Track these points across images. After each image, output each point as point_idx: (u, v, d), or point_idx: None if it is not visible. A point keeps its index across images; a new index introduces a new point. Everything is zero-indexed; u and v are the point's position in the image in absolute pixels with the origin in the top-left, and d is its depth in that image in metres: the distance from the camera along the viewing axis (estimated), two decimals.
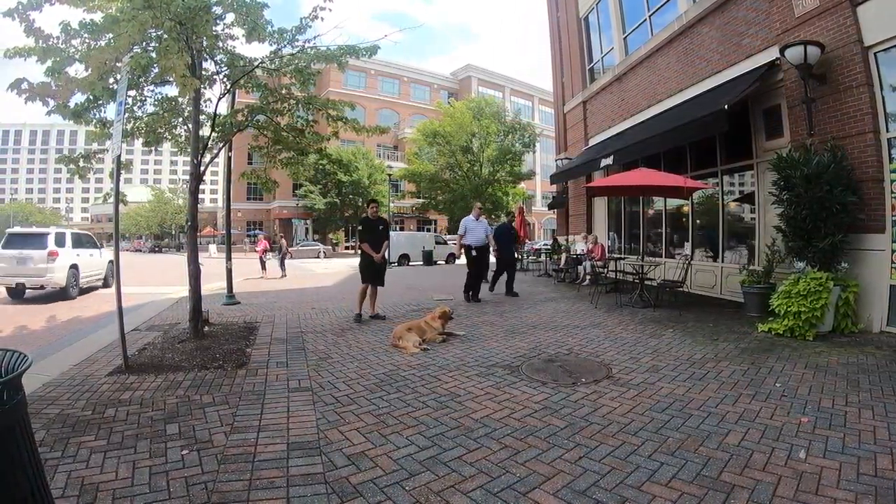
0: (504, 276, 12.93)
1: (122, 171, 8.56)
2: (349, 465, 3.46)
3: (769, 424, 4.02)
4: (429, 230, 50.54)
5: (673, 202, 13.14)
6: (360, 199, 47.75)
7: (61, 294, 13.77)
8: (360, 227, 10.05)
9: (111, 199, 7.93)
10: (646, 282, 10.45)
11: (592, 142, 17.00)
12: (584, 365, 5.96)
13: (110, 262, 15.73)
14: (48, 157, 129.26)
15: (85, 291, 15.24)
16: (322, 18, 7.73)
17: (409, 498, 3.03)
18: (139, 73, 7.09)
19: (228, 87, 8.40)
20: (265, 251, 23.41)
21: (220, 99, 8.47)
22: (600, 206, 17.13)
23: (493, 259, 13.07)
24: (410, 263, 30.29)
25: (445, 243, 36.50)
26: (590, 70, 17.51)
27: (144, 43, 7.00)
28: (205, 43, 7.45)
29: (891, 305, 7.30)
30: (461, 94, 58.36)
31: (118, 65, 6.46)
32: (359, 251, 9.81)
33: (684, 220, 13.00)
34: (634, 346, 6.85)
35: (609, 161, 11.90)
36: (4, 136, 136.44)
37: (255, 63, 8.06)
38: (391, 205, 36.59)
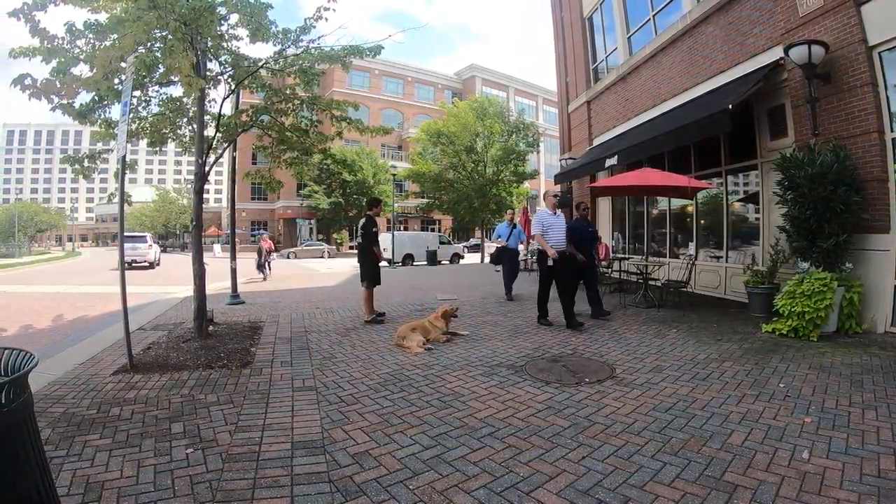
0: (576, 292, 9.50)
1: (127, 171, 8.63)
2: (353, 464, 3.47)
3: (772, 425, 4.02)
4: (433, 230, 50.57)
5: (677, 202, 13.11)
6: (364, 199, 47.76)
7: (151, 266, 28.79)
8: (374, 229, 9.29)
9: (115, 200, 7.97)
10: (650, 282, 10.45)
11: (597, 142, 16.98)
12: (587, 365, 5.96)
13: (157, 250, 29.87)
14: (53, 157, 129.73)
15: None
16: (326, 19, 7.75)
17: (413, 497, 3.04)
18: (144, 72, 7.11)
19: (233, 87, 8.42)
20: (270, 251, 22.58)
21: (224, 99, 8.50)
22: (604, 206, 17.11)
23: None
24: (415, 263, 30.32)
25: (450, 243, 36.55)
26: (594, 70, 17.48)
27: (150, 43, 7.03)
28: (209, 43, 7.49)
29: (895, 306, 7.28)
30: (465, 94, 58.31)
31: (123, 65, 6.49)
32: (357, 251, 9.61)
33: (688, 220, 12.98)
34: (638, 346, 6.86)
35: (613, 161, 11.88)
36: (10, 136, 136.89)
37: (260, 64, 8.08)
38: (395, 205, 36.54)
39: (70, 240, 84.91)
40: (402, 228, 49.51)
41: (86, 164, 8.11)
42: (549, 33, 21.54)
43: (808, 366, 5.71)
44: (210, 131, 8.48)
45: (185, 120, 8.69)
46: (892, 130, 7.36)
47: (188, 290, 14.11)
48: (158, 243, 32.44)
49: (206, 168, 8.03)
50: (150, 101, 8.42)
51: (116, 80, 6.90)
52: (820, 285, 7.07)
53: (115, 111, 7.83)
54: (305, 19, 7.81)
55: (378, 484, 3.19)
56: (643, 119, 13.62)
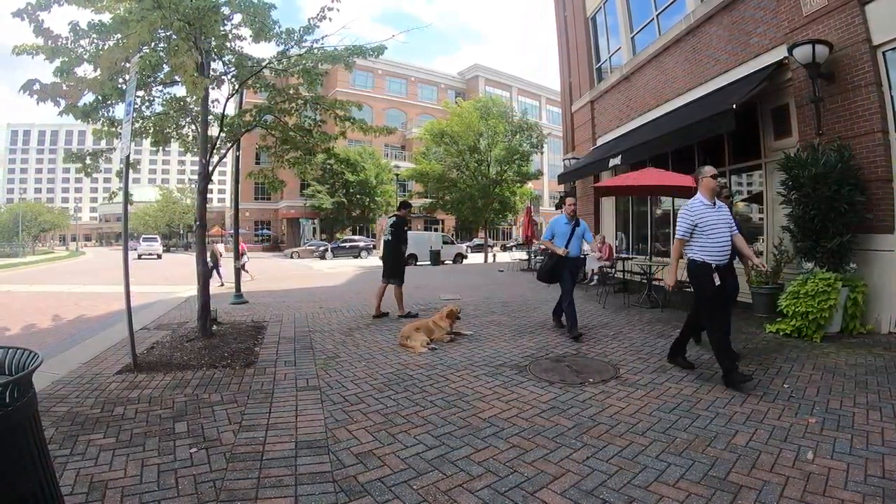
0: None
1: (130, 171, 8.63)
2: (357, 463, 3.48)
3: (777, 425, 4.02)
4: (436, 230, 50.59)
5: (681, 202, 13.07)
6: (367, 199, 47.81)
7: (159, 257, 45.08)
8: (406, 229, 10.08)
9: (117, 199, 7.99)
10: (654, 282, 10.43)
11: (600, 141, 16.96)
12: (591, 365, 5.97)
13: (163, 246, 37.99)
14: (56, 157, 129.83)
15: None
16: (330, 19, 7.77)
17: (417, 497, 3.04)
18: (149, 71, 7.12)
19: (236, 87, 8.43)
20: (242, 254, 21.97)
21: (228, 99, 8.51)
22: (608, 206, 17.08)
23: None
24: (417, 263, 30.33)
25: (453, 243, 36.54)
26: (597, 70, 17.48)
27: (153, 43, 7.04)
28: (213, 43, 7.50)
29: None
30: (468, 94, 58.31)
31: (127, 65, 6.51)
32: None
33: None
34: (642, 347, 6.86)
35: (617, 161, 11.86)
36: (13, 136, 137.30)
37: (264, 64, 8.09)
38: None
39: (73, 239, 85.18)
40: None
41: (88, 161, 8.10)
42: (552, 33, 21.51)
43: (812, 366, 5.70)
44: (213, 131, 8.48)
45: (188, 119, 8.70)
46: None
47: (191, 290, 14.21)
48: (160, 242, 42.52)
49: (210, 168, 8.04)
50: (153, 100, 8.42)
51: (120, 80, 6.91)
52: (824, 285, 7.06)
53: (119, 110, 7.87)
54: (309, 19, 7.84)
55: (382, 484, 3.20)
56: (647, 119, 13.60)
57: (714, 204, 5.43)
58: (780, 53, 8.88)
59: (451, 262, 32.03)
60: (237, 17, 7.48)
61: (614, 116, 15.99)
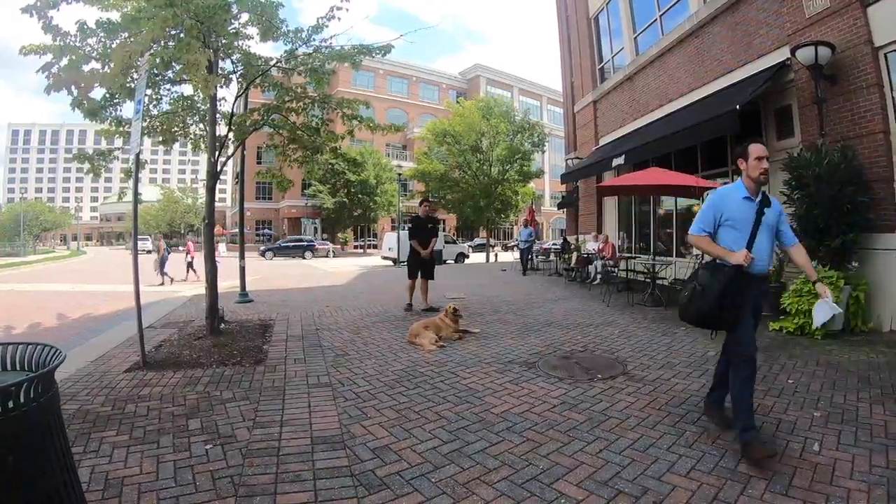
0: None
1: (140, 169, 8.69)
2: (374, 458, 3.51)
3: (783, 419, 4.10)
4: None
5: (684, 202, 13.16)
6: (369, 199, 47.80)
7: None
8: (409, 226, 10.55)
9: (126, 198, 8.08)
10: (657, 281, 10.51)
11: (603, 141, 17.03)
12: (599, 361, 6.04)
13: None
14: (57, 156, 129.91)
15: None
16: (339, 18, 7.79)
17: (436, 489, 3.08)
18: (161, 68, 7.12)
19: (245, 86, 8.46)
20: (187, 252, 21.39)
21: (237, 98, 8.55)
22: (611, 205, 17.15)
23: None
24: None
25: (455, 243, 36.56)
26: (600, 70, 17.54)
27: (164, 41, 7.07)
28: (222, 42, 7.53)
29: None
30: (470, 94, 58.32)
31: (139, 62, 6.53)
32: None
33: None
34: (648, 344, 6.93)
35: (620, 161, 11.95)
36: (15, 135, 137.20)
37: (272, 63, 8.12)
38: (401, 204, 36.58)
39: (75, 239, 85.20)
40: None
41: (96, 162, 8.15)
42: (554, 33, 21.55)
43: (815, 363, 5.78)
44: (221, 130, 8.52)
45: (195, 118, 8.74)
46: None
47: (193, 289, 14.29)
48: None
49: (218, 167, 8.08)
50: (161, 99, 8.43)
51: (129, 78, 6.94)
52: (827, 284, 7.12)
53: (126, 109, 7.92)
54: (318, 18, 7.81)
55: (400, 477, 3.22)
56: (650, 119, 13.67)
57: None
58: (782, 55, 8.97)
59: (453, 262, 32.03)
60: (244, 16, 7.49)
61: (617, 117, 16.05)
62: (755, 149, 3.73)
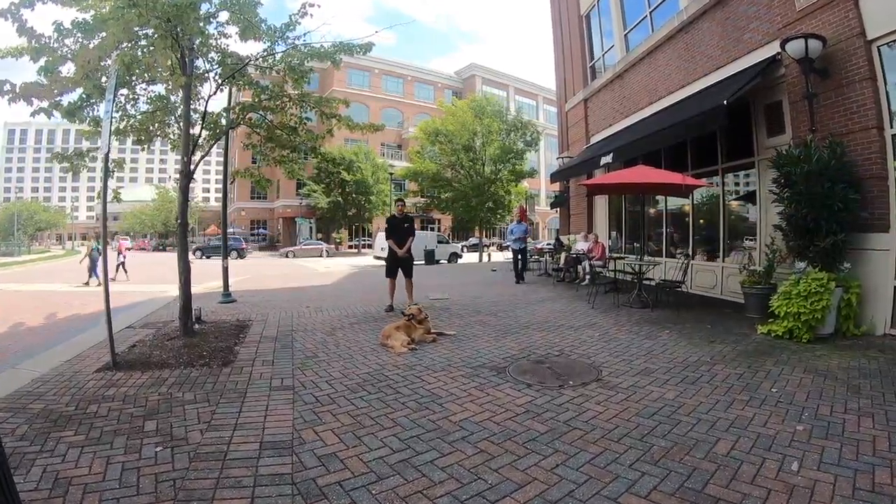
0: None
1: (116, 170, 8.54)
2: (319, 465, 3.42)
3: (762, 433, 3.83)
4: (432, 229, 50.51)
5: (674, 202, 12.97)
6: (364, 199, 47.73)
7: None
8: (386, 226, 10.58)
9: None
10: (645, 282, 10.27)
11: (594, 140, 16.85)
12: (573, 367, 5.79)
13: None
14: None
15: None
16: (311, 15, 7.64)
17: (374, 502, 2.96)
18: (123, 71, 7.04)
19: (219, 84, 8.31)
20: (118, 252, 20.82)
21: (210, 97, 8.44)
22: (601, 205, 16.97)
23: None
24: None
25: (448, 242, 36.47)
26: (591, 68, 17.36)
27: (133, 41, 6.97)
28: (196, 41, 7.42)
29: (895, 307, 7.08)
30: (465, 93, 58.17)
31: (107, 63, 6.49)
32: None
33: (686, 219, 12.80)
34: (628, 348, 6.67)
35: (609, 159, 11.72)
36: (10, 135, 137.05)
37: (246, 61, 8.00)
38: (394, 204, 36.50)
39: (70, 238, 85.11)
40: (384, 229, 49.36)
41: (74, 161, 8.12)
42: (549, 32, 21.37)
43: (802, 369, 5.51)
44: (197, 129, 8.40)
45: (173, 118, 8.60)
46: (891, 126, 7.17)
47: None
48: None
49: (192, 166, 8.01)
50: (137, 98, 8.34)
51: (104, 79, 6.87)
52: (817, 286, 6.89)
53: (103, 109, 7.81)
54: (290, 15, 7.75)
55: (341, 487, 3.12)
56: (640, 117, 13.48)
57: None
58: (773, 49, 8.75)
59: (445, 262, 31.89)
60: (224, 16, 7.46)
61: (607, 114, 15.87)
62: None
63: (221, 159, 13.77)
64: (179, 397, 4.85)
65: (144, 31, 6.81)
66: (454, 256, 34.24)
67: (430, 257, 29.44)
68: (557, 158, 20.66)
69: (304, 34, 8.07)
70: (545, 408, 4.46)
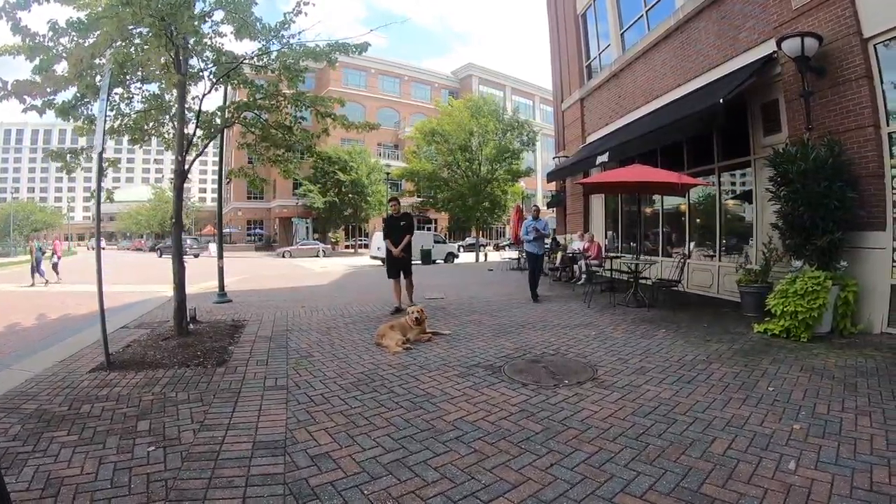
0: None
1: (111, 169, 8.50)
2: (311, 465, 3.40)
3: (758, 431, 3.81)
4: (429, 229, 50.45)
5: (671, 201, 12.95)
6: (360, 199, 47.64)
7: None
8: (383, 226, 10.49)
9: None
10: (641, 281, 10.25)
11: (590, 139, 16.83)
12: (568, 366, 5.76)
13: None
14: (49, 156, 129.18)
15: None
16: (306, 13, 7.60)
17: (366, 502, 2.93)
18: (117, 69, 7.00)
19: (214, 83, 8.27)
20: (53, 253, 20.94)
21: (204, 96, 8.39)
22: (598, 204, 16.95)
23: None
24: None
25: (444, 242, 36.39)
26: (587, 67, 17.33)
27: (127, 40, 6.94)
28: (191, 40, 7.38)
29: (892, 306, 7.07)
30: (462, 93, 58.03)
31: (100, 62, 6.47)
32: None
33: (682, 218, 12.80)
34: (624, 347, 6.65)
35: (604, 158, 11.70)
36: (7, 135, 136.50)
37: (240, 60, 7.98)
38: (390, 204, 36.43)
39: (67, 239, 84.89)
40: (381, 229, 49.27)
41: (69, 159, 8.05)
42: (545, 32, 21.33)
43: (799, 368, 5.49)
44: (192, 128, 8.37)
45: (167, 117, 8.56)
46: (888, 125, 7.16)
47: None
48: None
49: (186, 166, 7.97)
50: (132, 97, 8.30)
51: (98, 78, 6.85)
52: (813, 284, 6.88)
53: (97, 108, 7.77)
54: (285, 14, 7.70)
55: (333, 487, 3.10)
56: (636, 116, 13.46)
57: None
58: (769, 48, 8.76)
59: (442, 262, 31.84)
60: (219, 14, 7.40)
61: (603, 114, 15.85)
62: None
63: (217, 159, 13.74)
64: (173, 397, 4.83)
65: (138, 30, 6.80)
66: (450, 256, 34.15)
67: (426, 257, 29.39)
68: (554, 158, 20.63)
69: (299, 32, 8.01)
70: (540, 407, 4.43)
